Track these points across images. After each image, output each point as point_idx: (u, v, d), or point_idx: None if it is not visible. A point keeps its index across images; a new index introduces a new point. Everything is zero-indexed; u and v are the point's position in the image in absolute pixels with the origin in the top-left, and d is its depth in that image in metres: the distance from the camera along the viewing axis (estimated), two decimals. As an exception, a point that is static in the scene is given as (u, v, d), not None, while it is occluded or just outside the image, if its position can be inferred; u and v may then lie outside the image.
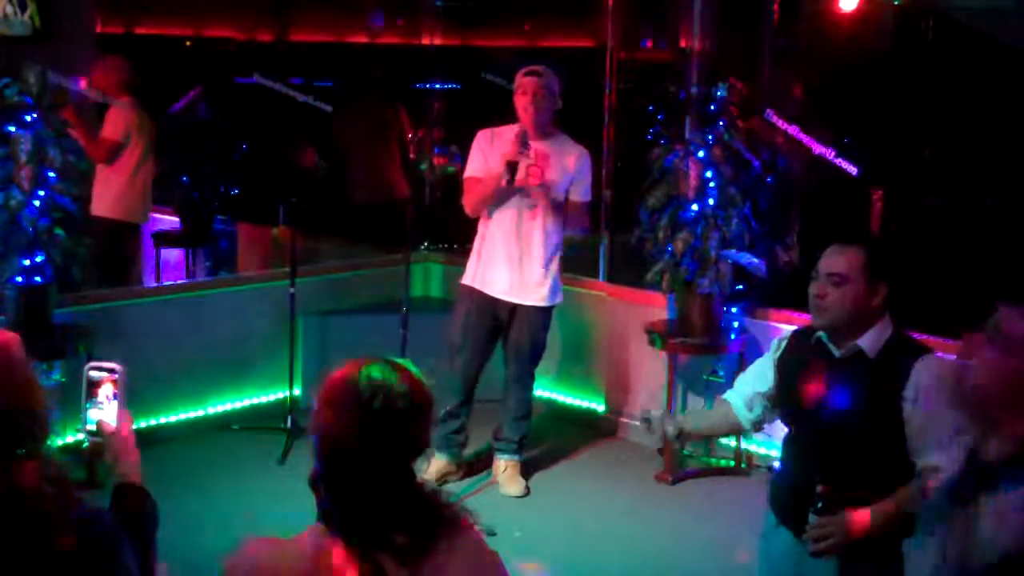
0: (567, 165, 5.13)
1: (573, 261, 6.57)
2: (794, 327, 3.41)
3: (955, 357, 2.09)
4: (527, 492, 5.33)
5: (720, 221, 5.38)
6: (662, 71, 6.76)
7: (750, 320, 5.65)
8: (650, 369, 5.84)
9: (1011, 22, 6.02)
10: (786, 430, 3.23)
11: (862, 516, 2.85)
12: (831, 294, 2.99)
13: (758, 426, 3.33)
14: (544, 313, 5.26)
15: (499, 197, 5.06)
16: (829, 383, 3.06)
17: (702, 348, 5.58)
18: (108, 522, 1.98)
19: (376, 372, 1.97)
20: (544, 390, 6.44)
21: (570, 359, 6.37)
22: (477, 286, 5.21)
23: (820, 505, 2.86)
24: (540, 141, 5.08)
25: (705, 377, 5.82)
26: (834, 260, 3.02)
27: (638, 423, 3.23)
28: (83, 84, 5.96)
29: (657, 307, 5.82)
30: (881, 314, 3.03)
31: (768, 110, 5.71)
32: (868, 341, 3.01)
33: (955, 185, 6.79)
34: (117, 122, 6.32)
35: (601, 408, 6.29)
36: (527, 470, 5.48)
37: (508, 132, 5.07)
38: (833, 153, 5.61)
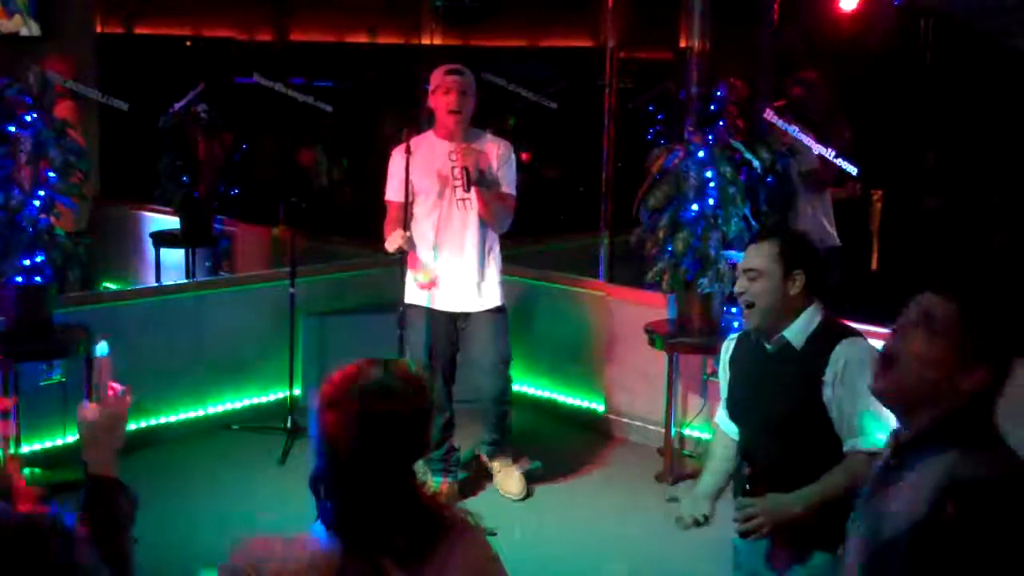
0: (489, 158, 5.03)
1: (573, 261, 6.59)
2: (739, 331, 3.46)
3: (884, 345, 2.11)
4: (527, 492, 5.27)
5: (720, 221, 5.38)
6: (662, 71, 6.77)
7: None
8: (650, 369, 5.84)
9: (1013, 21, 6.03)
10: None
11: (784, 497, 2.92)
12: (749, 288, 3.09)
13: None
14: (500, 316, 5.16)
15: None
16: (762, 378, 3.15)
17: (702, 348, 5.58)
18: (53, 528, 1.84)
19: (378, 373, 1.97)
20: (544, 390, 6.45)
21: (570, 359, 6.37)
22: (423, 303, 5.08)
23: (747, 487, 2.95)
24: (461, 140, 5.01)
25: (705, 377, 5.82)
26: (749, 256, 3.13)
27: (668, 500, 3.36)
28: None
29: (657, 307, 5.82)
30: (805, 303, 3.11)
31: (767, 110, 5.70)
32: (793, 332, 3.10)
33: (957, 186, 6.79)
34: None
35: (601, 408, 6.29)
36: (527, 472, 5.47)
37: (424, 142, 5.03)
38: (833, 153, 5.60)
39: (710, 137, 5.39)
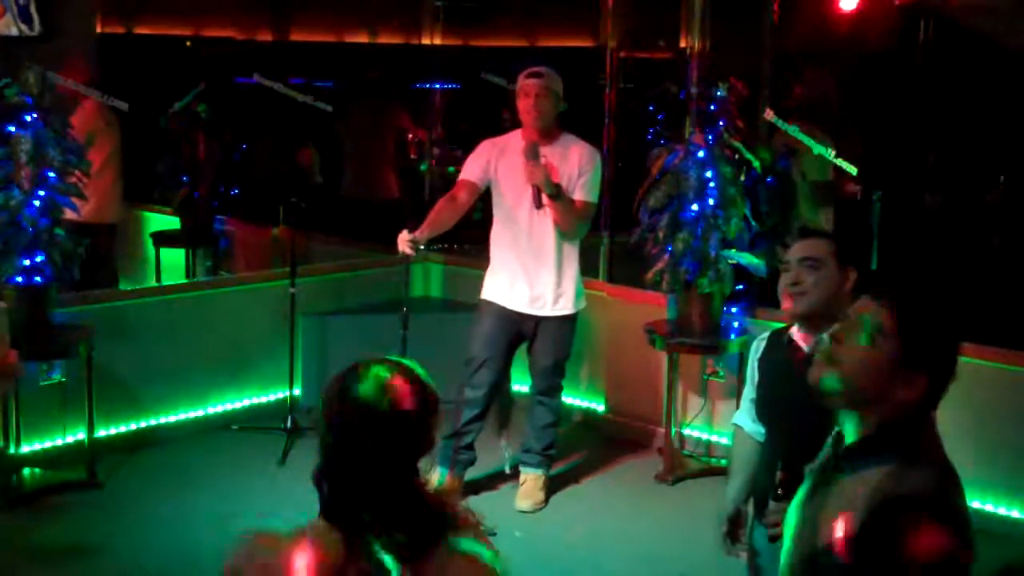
0: (571, 165, 5.00)
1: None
2: (771, 330, 3.42)
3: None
4: (540, 506, 5.17)
5: (720, 221, 5.38)
6: (662, 71, 6.77)
7: (750, 320, 5.65)
8: (650, 369, 5.84)
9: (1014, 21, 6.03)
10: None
11: None
12: (807, 279, 3.03)
13: None
14: (569, 322, 5.14)
15: (466, 211, 5.10)
16: (799, 382, 3.08)
17: (702, 348, 5.58)
18: None
19: (384, 372, 1.98)
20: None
21: (570, 359, 6.36)
22: (498, 300, 5.09)
23: (779, 492, 2.86)
24: (544, 145, 4.96)
25: (705, 377, 5.82)
26: (807, 246, 3.09)
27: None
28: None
29: (657, 307, 5.82)
30: (850, 304, 3.07)
31: (768, 110, 5.71)
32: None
33: (957, 186, 6.79)
34: (79, 125, 6.27)
35: (601, 408, 6.29)
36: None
37: (515, 142, 5.00)
38: (833, 153, 5.60)
39: (710, 137, 5.39)
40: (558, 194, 4.88)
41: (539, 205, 4.91)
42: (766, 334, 3.32)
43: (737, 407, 5.39)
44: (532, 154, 4.86)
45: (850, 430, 2.04)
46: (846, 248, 3.09)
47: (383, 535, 1.91)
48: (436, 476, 5.38)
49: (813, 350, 3.00)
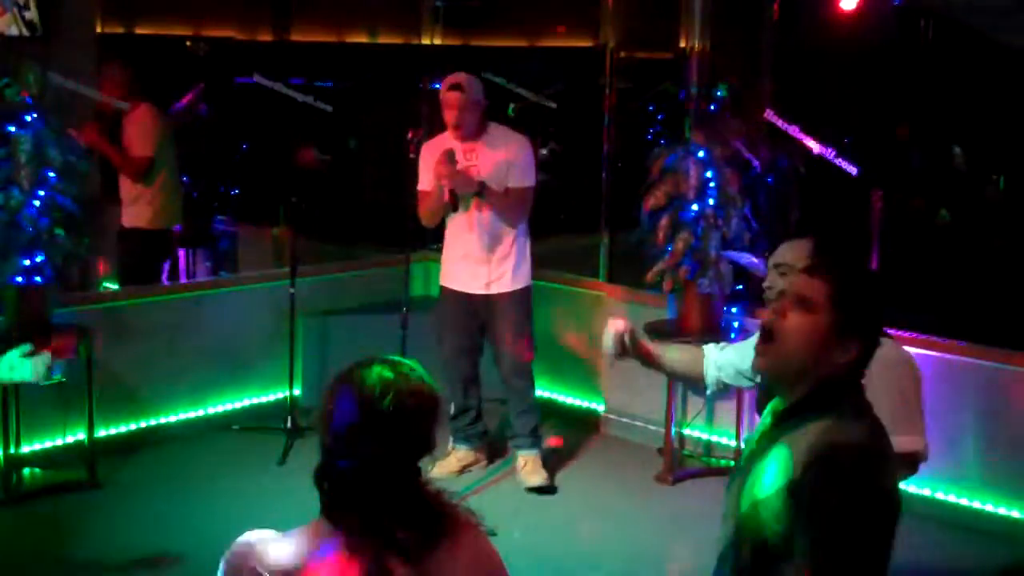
0: (499, 156, 5.27)
1: (573, 261, 6.59)
2: None
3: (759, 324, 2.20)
4: (550, 482, 5.38)
5: (720, 221, 5.38)
6: (662, 71, 6.76)
7: (750, 320, 5.65)
8: (650, 369, 5.82)
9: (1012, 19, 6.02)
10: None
11: None
12: (778, 283, 3.01)
13: (716, 386, 3.30)
14: (518, 298, 5.37)
15: (446, 210, 5.30)
16: None
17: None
18: None
19: (386, 372, 1.98)
20: (544, 390, 6.44)
21: (570, 359, 6.37)
22: (448, 284, 5.46)
23: None
24: (473, 141, 5.28)
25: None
26: (783, 253, 3.05)
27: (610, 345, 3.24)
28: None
29: (657, 307, 5.82)
30: None
31: (768, 110, 5.70)
32: None
33: (953, 185, 6.79)
34: (144, 136, 6.27)
35: (601, 408, 6.29)
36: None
37: (449, 141, 5.28)
38: (833, 153, 5.60)
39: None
40: (482, 191, 5.22)
41: (455, 208, 5.23)
42: None
43: (738, 407, 5.40)
44: (450, 160, 5.13)
45: (784, 398, 2.15)
46: (825, 250, 3.08)
47: (385, 535, 1.91)
48: (458, 454, 5.56)
49: None
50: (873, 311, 2.14)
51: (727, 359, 3.29)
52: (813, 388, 2.09)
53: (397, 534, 1.91)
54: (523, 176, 5.31)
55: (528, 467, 5.39)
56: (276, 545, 1.95)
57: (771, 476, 2.05)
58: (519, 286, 5.37)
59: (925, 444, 3.17)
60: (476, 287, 5.36)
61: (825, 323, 2.07)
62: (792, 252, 3.12)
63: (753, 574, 2.11)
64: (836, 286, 2.09)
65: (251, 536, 1.99)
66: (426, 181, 5.33)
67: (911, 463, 3.11)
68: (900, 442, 2.90)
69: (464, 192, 5.22)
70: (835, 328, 2.07)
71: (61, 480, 5.25)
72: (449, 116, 5.24)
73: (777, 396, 2.18)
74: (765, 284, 3.06)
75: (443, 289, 5.51)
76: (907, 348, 3.37)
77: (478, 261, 5.32)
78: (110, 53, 6.45)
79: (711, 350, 3.36)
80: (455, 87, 5.22)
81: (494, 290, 5.34)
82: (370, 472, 1.94)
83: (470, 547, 1.99)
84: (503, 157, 5.27)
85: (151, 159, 6.26)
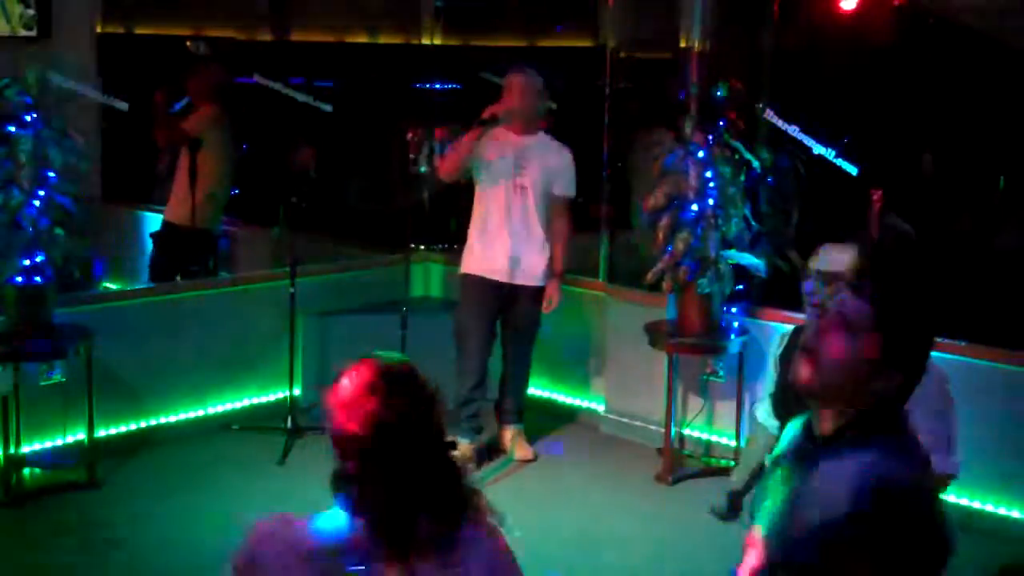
0: (548, 161, 5.53)
1: (574, 261, 6.58)
2: (793, 327, 3.40)
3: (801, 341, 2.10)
4: (534, 456, 5.70)
5: (720, 221, 5.38)
6: (662, 71, 6.75)
7: (750, 320, 5.66)
8: (650, 369, 5.84)
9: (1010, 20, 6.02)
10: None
11: None
12: (821, 291, 3.03)
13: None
14: (540, 294, 5.60)
15: (471, 149, 5.43)
16: None
17: (702, 348, 5.59)
18: None
19: (389, 366, 2.03)
20: (544, 390, 6.45)
21: (570, 359, 6.37)
22: (478, 272, 5.55)
23: None
24: (528, 136, 5.51)
25: (705, 377, 5.82)
26: (829, 261, 3.00)
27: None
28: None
29: (657, 307, 5.82)
30: None
31: (768, 109, 5.70)
32: None
33: (957, 188, 6.78)
34: (200, 120, 6.58)
35: (601, 408, 6.29)
36: (526, 467, 5.54)
37: (499, 131, 5.49)
38: (834, 153, 5.60)
39: (710, 137, 5.39)
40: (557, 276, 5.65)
41: (486, 124, 5.41)
42: (789, 330, 3.27)
43: (737, 407, 5.43)
44: (493, 116, 5.42)
45: (825, 419, 2.06)
46: (867, 259, 3.07)
47: (410, 521, 1.93)
48: (460, 447, 5.61)
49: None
50: (919, 341, 2.03)
51: (768, 405, 3.28)
52: (853, 418, 2.00)
53: (421, 521, 1.93)
54: (570, 186, 5.61)
55: (518, 440, 5.73)
56: (301, 524, 1.96)
57: (817, 507, 1.95)
58: (544, 283, 5.59)
59: (958, 465, 3.06)
60: (506, 276, 5.50)
61: (867, 349, 1.97)
62: (836, 259, 3.08)
63: None
64: (882, 312, 1.99)
65: (275, 516, 1.99)
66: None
67: (942, 483, 3.02)
68: (935, 463, 2.87)
69: (508, 118, 5.38)
70: (877, 356, 1.98)
71: (61, 480, 5.25)
72: (510, 100, 5.43)
73: (810, 411, 2.10)
74: (807, 290, 3.02)
75: (468, 276, 5.60)
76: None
77: (513, 253, 5.48)
78: (111, 53, 6.48)
79: (761, 415, 3.34)
80: (519, 71, 5.50)
81: (524, 281, 5.52)
82: (413, 453, 1.96)
83: (490, 540, 2.06)
84: (552, 164, 5.54)
85: (186, 134, 6.51)
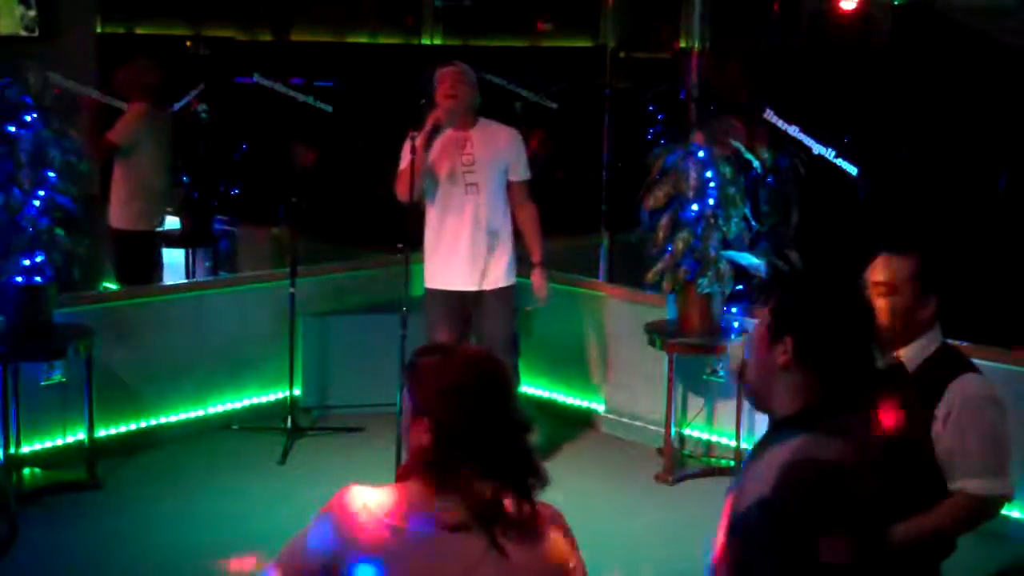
0: (498, 146, 5.29)
1: (574, 261, 6.59)
2: None
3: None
4: None
5: (720, 221, 5.38)
6: (662, 71, 6.77)
7: (750, 320, 5.65)
8: (650, 369, 5.84)
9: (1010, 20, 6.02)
10: None
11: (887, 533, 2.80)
12: (877, 303, 2.83)
13: None
14: (507, 295, 5.36)
15: (423, 164, 5.11)
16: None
17: (702, 348, 5.58)
18: None
19: (468, 350, 2.20)
20: (544, 390, 6.45)
21: (570, 359, 6.37)
22: (438, 285, 5.34)
23: None
24: (466, 129, 5.26)
25: (705, 377, 5.82)
26: (884, 266, 2.89)
27: None
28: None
29: (657, 307, 5.82)
30: (929, 327, 2.90)
31: (768, 109, 5.70)
32: (910, 353, 2.90)
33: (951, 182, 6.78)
34: (125, 126, 6.38)
35: (601, 408, 6.29)
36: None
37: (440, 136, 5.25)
38: (833, 153, 5.60)
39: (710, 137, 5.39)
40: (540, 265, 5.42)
41: (432, 135, 5.10)
42: None
43: (738, 407, 5.41)
44: (433, 128, 5.12)
45: (778, 408, 2.16)
46: (930, 271, 2.89)
47: (502, 497, 2.00)
48: None
49: (883, 365, 2.87)
50: (825, 341, 2.10)
51: None
52: (794, 411, 2.09)
53: (504, 497, 2.01)
54: (525, 170, 5.36)
55: None
56: (381, 493, 2.00)
57: (750, 491, 2.06)
58: (512, 282, 5.38)
59: (1012, 488, 2.95)
60: (470, 284, 5.29)
61: (780, 353, 2.10)
62: (891, 270, 2.91)
63: None
64: (777, 320, 2.12)
65: (353, 486, 2.02)
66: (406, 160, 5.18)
67: (996, 506, 2.94)
68: (988, 486, 2.81)
69: (451, 119, 5.15)
70: (791, 358, 2.09)
71: (61, 480, 5.25)
72: (443, 90, 5.18)
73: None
74: None
75: (431, 292, 5.37)
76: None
77: (473, 258, 5.26)
78: (111, 53, 6.47)
79: None
80: (450, 64, 5.27)
81: (488, 286, 5.30)
82: (505, 428, 2.02)
83: (559, 524, 2.20)
84: (499, 148, 5.29)
85: (115, 145, 6.35)
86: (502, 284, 5.33)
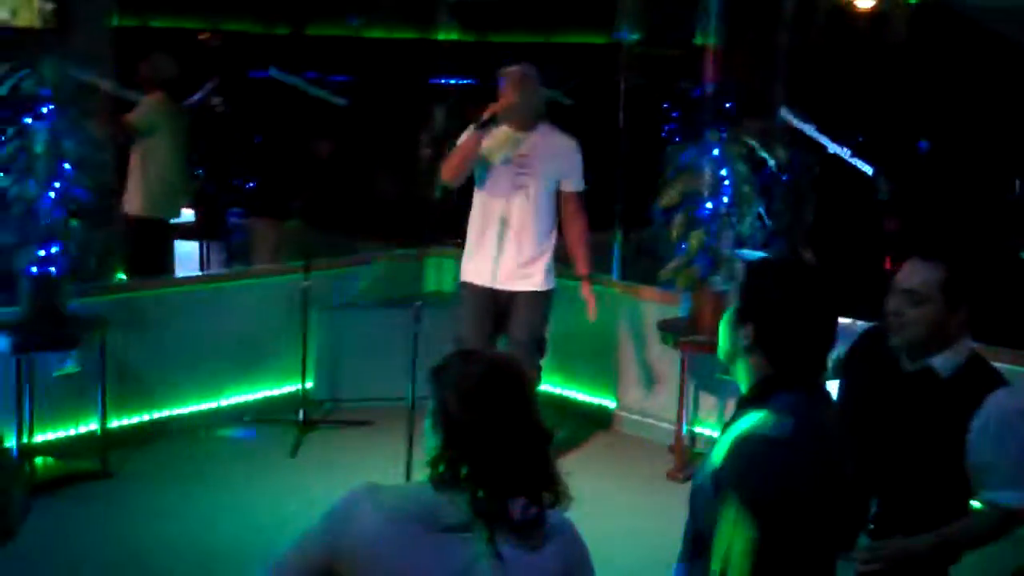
0: (555, 152, 5.24)
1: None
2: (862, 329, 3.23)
3: None
4: None
5: (734, 219, 5.37)
6: (678, 68, 6.75)
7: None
8: (663, 367, 5.84)
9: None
10: None
11: (915, 545, 2.76)
12: (908, 313, 2.82)
13: None
14: (542, 299, 5.30)
15: (475, 151, 5.12)
16: (894, 397, 2.90)
17: (715, 346, 5.56)
18: None
19: (489, 355, 2.19)
20: (556, 387, 6.45)
21: (583, 356, 6.37)
22: (475, 280, 5.29)
23: (873, 527, 2.76)
24: (526, 132, 5.21)
25: (717, 375, 5.81)
26: (914, 274, 2.84)
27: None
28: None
29: (670, 305, 5.82)
30: (961, 334, 2.87)
31: (783, 108, 5.69)
32: (941, 360, 2.86)
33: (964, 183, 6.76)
34: (143, 110, 6.51)
35: (613, 405, 6.29)
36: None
37: (499, 128, 5.20)
38: (849, 152, 5.59)
39: (724, 134, 5.38)
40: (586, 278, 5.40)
41: (494, 123, 5.10)
42: (860, 330, 3.08)
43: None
44: (490, 118, 5.10)
45: (742, 384, 2.29)
46: (959, 280, 2.83)
47: (503, 501, 1.99)
48: None
49: (916, 368, 2.88)
50: (776, 327, 2.21)
51: None
52: (755, 387, 2.23)
53: (514, 500, 2.00)
54: (580, 181, 5.30)
55: None
56: (386, 491, 2.01)
57: (705, 465, 2.18)
58: (549, 287, 5.32)
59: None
60: (504, 283, 5.26)
61: (737, 335, 2.28)
62: (921, 279, 2.89)
63: (692, 560, 2.33)
64: (739, 306, 2.29)
65: (360, 483, 2.03)
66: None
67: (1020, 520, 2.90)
68: (1020, 498, 2.78)
69: (507, 115, 5.12)
70: (752, 341, 2.24)
71: (74, 470, 5.27)
72: (505, 88, 5.16)
73: None
74: (891, 308, 2.86)
75: (464, 285, 5.35)
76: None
77: (510, 257, 5.22)
78: (127, 46, 6.50)
79: None
80: (515, 65, 5.22)
81: (523, 287, 5.25)
82: (526, 428, 2.03)
83: (569, 534, 2.20)
84: (556, 155, 5.24)
85: (134, 126, 6.45)
86: (537, 288, 5.27)
